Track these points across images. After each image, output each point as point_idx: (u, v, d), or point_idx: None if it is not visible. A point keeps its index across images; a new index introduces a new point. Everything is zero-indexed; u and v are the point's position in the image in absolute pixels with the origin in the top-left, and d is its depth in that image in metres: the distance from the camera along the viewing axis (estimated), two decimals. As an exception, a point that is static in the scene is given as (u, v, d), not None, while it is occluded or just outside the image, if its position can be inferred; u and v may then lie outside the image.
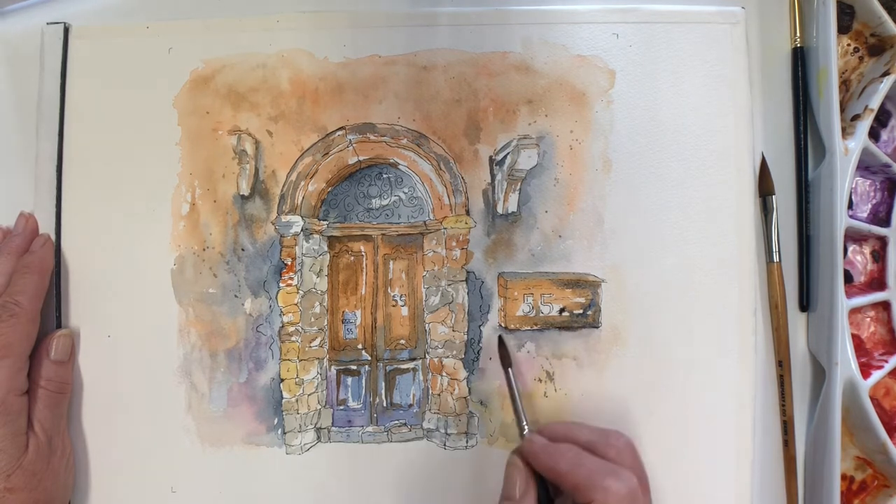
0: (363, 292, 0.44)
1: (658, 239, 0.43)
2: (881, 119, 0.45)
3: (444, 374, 0.43)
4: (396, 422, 0.43)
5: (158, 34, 0.44)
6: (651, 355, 0.42)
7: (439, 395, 0.43)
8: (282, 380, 0.43)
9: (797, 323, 0.44)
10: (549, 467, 0.35)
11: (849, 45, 0.45)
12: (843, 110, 0.43)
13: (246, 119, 0.44)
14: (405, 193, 0.45)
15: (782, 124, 0.44)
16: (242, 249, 0.44)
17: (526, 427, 0.38)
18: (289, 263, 0.44)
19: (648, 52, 0.44)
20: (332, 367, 0.44)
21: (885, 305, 0.44)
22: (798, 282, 0.44)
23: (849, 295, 0.42)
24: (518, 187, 0.43)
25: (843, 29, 0.44)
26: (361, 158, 0.44)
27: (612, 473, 0.33)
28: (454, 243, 0.44)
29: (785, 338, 0.43)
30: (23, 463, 0.38)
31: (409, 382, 0.44)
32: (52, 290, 0.43)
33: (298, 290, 0.44)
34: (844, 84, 0.45)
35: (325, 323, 0.44)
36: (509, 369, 0.40)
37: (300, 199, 0.44)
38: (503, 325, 0.43)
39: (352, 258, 0.44)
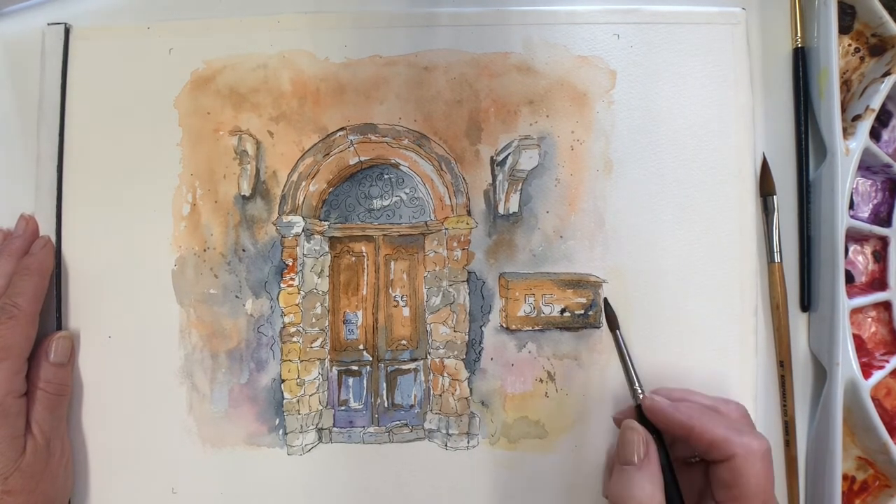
0: (364, 293, 0.44)
1: (659, 239, 0.43)
2: (882, 119, 0.45)
3: (445, 374, 0.43)
4: (398, 422, 0.43)
5: (159, 35, 0.44)
6: (652, 355, 0.42)
7: (441, 395, 0.43)
8: (283, 380, 0.43)
9: (798, 323, 0.44)
10: (680, 423, 0.34)
11: (850, 45, 0.45)
12: (844, 110, 0.43)
13: (247, 119, 0.44)
14: (406, 194, 0.44)
15: (783, 124, 0.45)
16: (243, 250, 0.43)
17: (640, 389, 0.37)
18: (290, 264, 0.43)
19: (649, 52, 0.44)
20: (334, 368, 0.44)
21: (887, 305, 0.44)
22: (799, 282, 0.44)
23: (850, 295, 0.42)
24: (519, 188, 0.43)
25: (844, 29, 0.44)
26: (363, 159, 0.44)
27: (750, 432, 0.33)
28: (455, 244, 0.44)
29: (786, 338, 0.43)
30: (21, 465, 0.37)
31: (411, 383, 0.44)
32: (52, 291, 0.42)
33: (300, 290, 0.43)
34: (845, 84, 0.45)
35: (327, 323, 0.44)
36: (617, 331, 0.39)
37: (301, 199, 0.44)
38: (504, 325, 0.43)
39: (353, 259, 0.44)
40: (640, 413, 0.37)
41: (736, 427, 0.34)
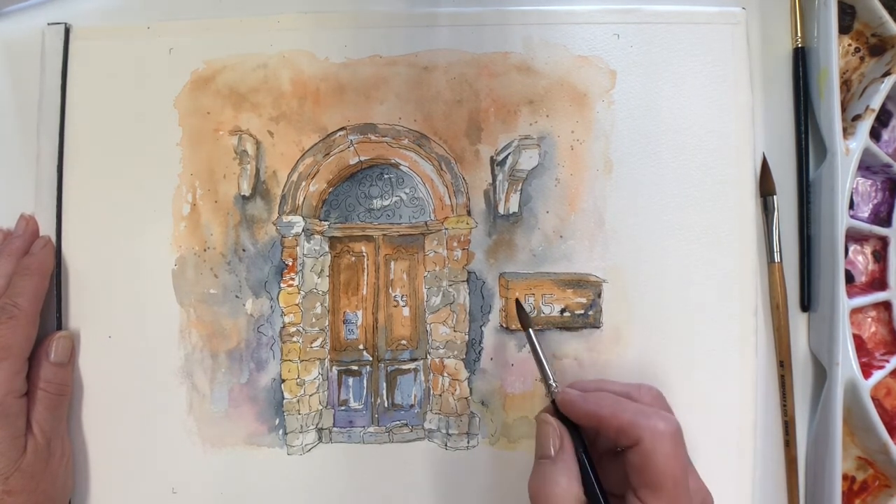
0: (364, 293, 0.44)
1: (659, 239, 0.43)
2: (882, 119, 0.45)
3: (445, 374, 0.43)
4: (398, 422, 0.43)
5: (159, 35, 0.44)
6: (652, 355, 0.42)
7: (440, 395, 0.43)
8: (283, 380, 0.43)
9: (798, 323, 0.44)
10: (589, 413, 0.34)
11: (850, 45, 0.45)
12: (844, 110, 0.43)
13: (247, 119, 0.44)
14: (406, 194, 0.44)
15: (783, 124, 0.45)
16: (243, 250, 0.43)
17: (554, 384, 0.37)
18: (290, 264, 0.43)
19: (649, 52, 0.44)
20: (334, 368, 0.44)
21: (887, 305, 0.44)
22: (799, 282, 0.44)
23: (850, 295, 0.42)
24: (519, 188, 0.43)
25: (843, 29, 0.44)
26: (363, 159, 0.44)
27: (656, 414, 0.33)
28: (455, 244, 0.44)
29: (786, 338, 0.43)
30: (21, 465, 0.37)
31: (411, 383, 0.44)
32: (52, 291, 0.42)
33: (300, 290, 0.43)
34: (845, 84, 0.45)
35: (327, 323, 0.44)
36: (530, 329, 0.39)
37: (301, 199, 0.44)
38: (504, 325, 0.43)
39: (353, 259, 0.44)
40: (557, 408, 0.36)
41: (646, 410, 0.33)
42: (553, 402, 0.37)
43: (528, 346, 0.39)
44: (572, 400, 0.35)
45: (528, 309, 0.43)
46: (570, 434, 0.35)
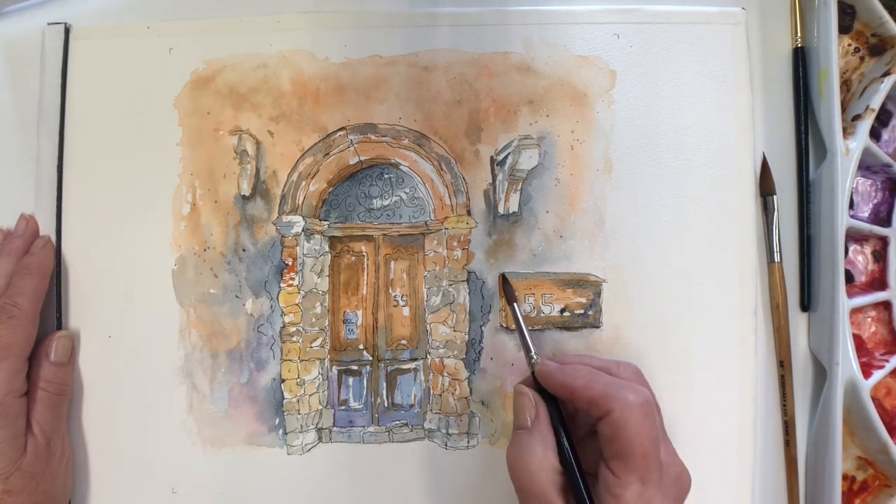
0: (364, 293, 0.44)
1: (659, 239, 0.43)
2: (882, 119, 0.45)
3: (445, 374, 0.43)
4: (398, 422, 0.43)
5: (159, 34, 0.44)
6: (652, 355, 0.42)
7: (440, 395, 0.43)
8: (283, 380, 0.43)
9: (798, 323, 0.44)
10: (563, 384, 0.35)
11: (850, 45, 0.45)
12: (843, 110, 0.43)
13: (247, 119, 0.44)
14: (406, 194, 0.44)
15: (783, 124, 0.45)
16: (243, 250, 0.43)
17: (535, 356, 0.38)
18: (290, 264, 0.43)
19: (649, 52, 0.44)
20: (334, 368, 0.44)
21: (887, 305, 0.44)
22: (799, 282, 0.44)
23: (850, 295, 0.42)
24: (519, 187, 0.43)
25: (843, 29, 0.44)
26: (362, 159, 0.44)
27: (628, 387, 0.33)
28: (455, 243, 0.44)
29: (786, 338, 0.43)
30: (21, 465, 0.37)
31: (411, 383, 0.44)
32: (52, 291, 0.42)
33: (300, 290, 0.43)
34: (845, 84, 0.45)
35: (327, 323, 0.44)
36: (514, 304, 0.40)
37: (301, 199, 0.44)
38: (504, 325, 0.43)
39: (353, 258, 0.44)
40: (536, 381, 0.37)
41: (618, 383, 0.34)
42: (533, 374, 0.37)
43: (535, 344, 0.40)
44: (550, 371, 0.36)
45: (527, 310, 0.43)
46: (546, 405, 0.36)
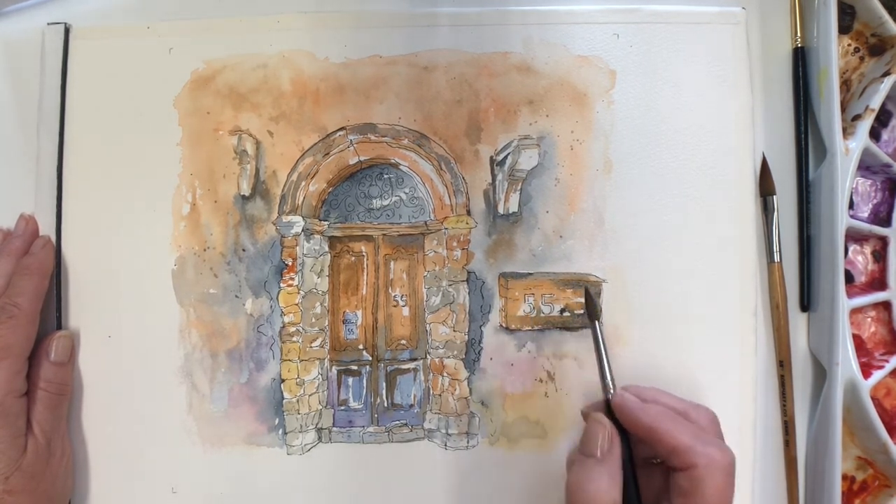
0: (364, 293, 0.44)
1: (659, 239, 0.43)
2: (882, 119, 0.45)
3: (445, 374, 0.43)
4: (397, 422, 0.43)
5: (159, 34, 0.44)
6: (651, 355, 0.42)
7: (440, 395, 0.43)
8: (283, 380, 0.43)
9: (798, 323, 0.44)
10: (645, 425, 0.34)
11: (849, 45, 0.45)
12: (843, 110, 0.43)
13: (247, 119, 0.44)
14: (406, 194, 0.44)
15: (783, 124, 0.45)
16: (243, 250, 0.43)
17: (612, 384, 0.36)
18: (290, 264, 0.43)
19: (649, 52, 0.44)
20: (333, 368, 0.44)
21: (886, 305, 0.44)
22: (799, 282, 0.44)
23: (850, 295, 0.42)
24: (519, 187, 0.43)
25: (843, 29, 0.44)
26: (362, 159, 0.44)
27: (714, 443, 0.33)
28: (455, 243, 0.44)
29: (786, 338, 0.43)
30: (21, 465, 0.38)
31: (410, 383, 0.44)
32: (52, 291, 0.43)
33: (299, 290, 0.43)
34: (845, 84, 0.45)
35: (326, 323, 0.44)
36: (596, 322, 0.38)
37: (301, 199, 0.44)
38: (504, 325, 0.43)
39: (353, 258, 0.44)
40: (609, 408, 0.36)
41: (701, 436, 0.33)
42: (607, 401, 0.36)
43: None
44: (630, 407, 0.35)
45: (527, 310, 0.43)
46: (619, 438, 0.35)
